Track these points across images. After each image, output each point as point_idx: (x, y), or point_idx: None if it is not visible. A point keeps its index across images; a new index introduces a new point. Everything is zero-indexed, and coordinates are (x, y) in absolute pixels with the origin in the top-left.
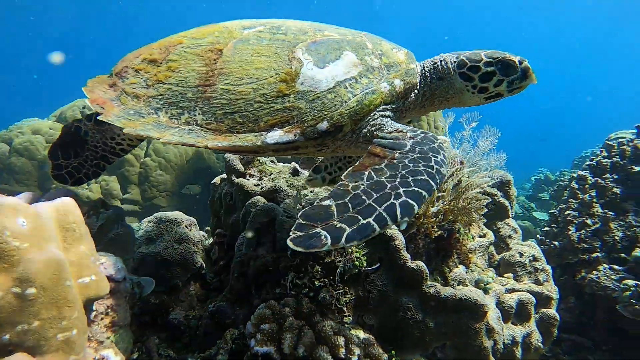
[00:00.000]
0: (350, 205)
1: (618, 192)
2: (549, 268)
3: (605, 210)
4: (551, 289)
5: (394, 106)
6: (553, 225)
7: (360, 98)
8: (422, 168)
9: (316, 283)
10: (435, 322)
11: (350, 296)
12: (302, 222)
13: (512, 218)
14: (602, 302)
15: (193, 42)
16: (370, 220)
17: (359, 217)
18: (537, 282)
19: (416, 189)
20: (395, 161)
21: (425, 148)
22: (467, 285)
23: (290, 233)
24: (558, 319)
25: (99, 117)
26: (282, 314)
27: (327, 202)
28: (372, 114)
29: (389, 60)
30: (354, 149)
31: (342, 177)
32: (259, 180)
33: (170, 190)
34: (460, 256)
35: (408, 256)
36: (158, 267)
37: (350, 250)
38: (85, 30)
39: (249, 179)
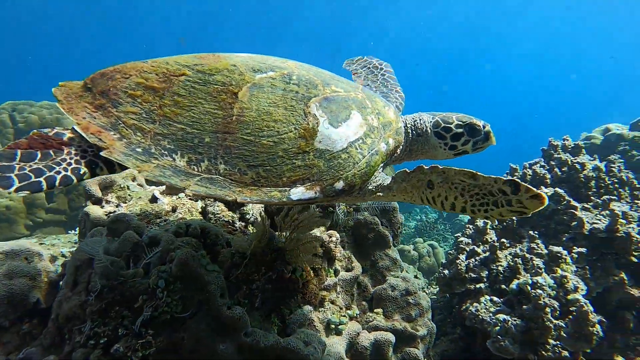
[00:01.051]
0: None
1: (514, 218)
2: (424, 303)
3: (499, 238)
4: (420, 326)
5: (386, 161)
6: (451, 252)
7: (368, 160)
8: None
9: (120, 331)
10: None
11: (160, 344)
12: None
13: (394, 247)
14: (480, 336)
15: (200, 78)
16: None
17: None
18: (409, 317)
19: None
20: None
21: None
22: (314, 326)
23: None
24: (418, 357)
25: (102, 154)
26: None
27: None
28: (375, 173)
29: (384, 120)
30: (355, 200)
31: None
32: (117, 206)
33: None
34: (306, 296)
35: (225, 301)
36: None
37: (162, 294)
38: None
39: (104, 206)
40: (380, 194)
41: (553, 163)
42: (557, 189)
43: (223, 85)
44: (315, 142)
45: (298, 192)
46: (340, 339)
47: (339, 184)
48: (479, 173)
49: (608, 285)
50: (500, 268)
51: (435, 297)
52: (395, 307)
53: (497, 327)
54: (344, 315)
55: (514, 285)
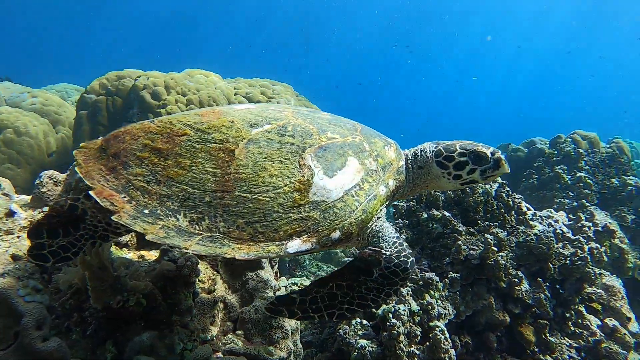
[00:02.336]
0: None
1: (408, 236)
2: (288, 325)
3: None
4: (281, 348)
5: (387, 203)
6: None
7: (365, 207)
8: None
9: None
10: None
11: None
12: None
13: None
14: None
15: (200, 137)
16: None
17: None
18: (270, 340)
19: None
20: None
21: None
22: (156, 352)
23: None
24: None
25: (112, 218)
26: None
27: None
28: (373, 218)
29: (383, 161)
30: (355, 245)
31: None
32: None
33: (22, 187)
34: (149, 322)
35: (41, 333)
36: None
37: None
38: None
39: None
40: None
41: None
42: (444, 212)
43: (221, 142)
44: (310, 194)
45: (295, 245)
46: None
47: (335, 234)
48: None
49: (478, 309)
50: None
51: None
52: (257, 330)
53: (355, 353)
54: (195, 339)
55: (380, 311)
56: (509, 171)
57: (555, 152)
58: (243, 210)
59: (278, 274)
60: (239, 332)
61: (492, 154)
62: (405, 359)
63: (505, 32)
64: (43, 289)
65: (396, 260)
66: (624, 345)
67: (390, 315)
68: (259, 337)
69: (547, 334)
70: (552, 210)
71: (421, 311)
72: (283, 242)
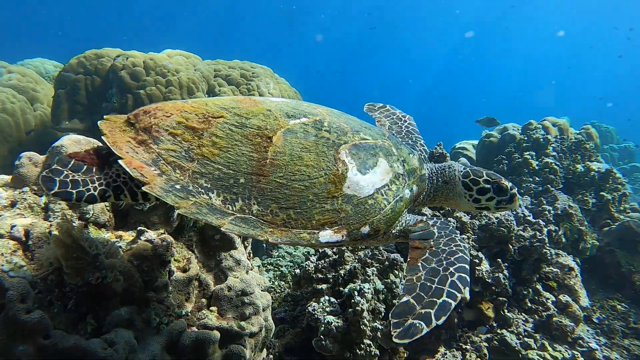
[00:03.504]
0: (423, 294)
1: None
2: (260, 302)
3: None
4: (253, 324)
5: (409, 206)
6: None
7: (393, 206)
8: (455, 247)
9: None
10: None
11: None
12: (394, 320)
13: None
14: (315, 332)
15: (237, 121)
16: (445, 298)
17: (435, 299)
18: (242, 316)
19: (460, 264)
20: (434, 249)
21: (447, 231)
22: (134, 326)
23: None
24: (241, 353)
25: (143, 188)
26: None
27: (405, 299)
28: (399, 218)
29: (409, 167)
30: (378, 243)
31: (405, 273)
32: None
33: (1, 165)
34: (127, 297)
35: (25, 306)
36: None
37: None
38: None
39: None
40: (401, 239)
41: None
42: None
43: (259, 129)
44: (344, 187)
45: (326, 235)
46: (159, 337)
47: (365, 229)
48: None
49: None
50: (342, 271)
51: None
52: (229, 306)
53: (322, 327)
54: (171, 315)
55: (346, 289)
56: (518, 209)
57: (526, 138)
58: (278, 195)
59: (251, 254)
60: (212, 308)
61: (511, 188)
62: (369, 333)
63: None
64: (26, 266)
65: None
66: (574, 319)
67: (356, 293)
68: (232, 313)
69: (506, 310)
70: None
71: (385, 289)
72: (315, 230)
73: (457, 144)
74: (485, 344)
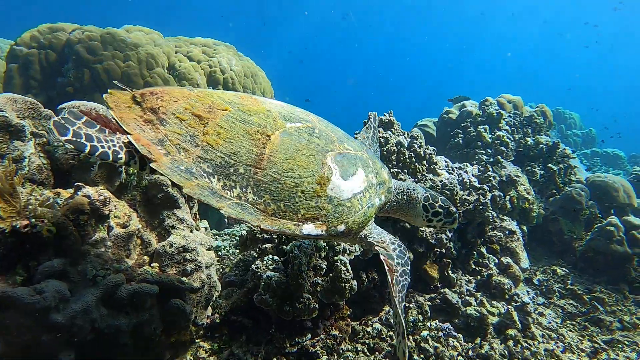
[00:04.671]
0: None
1: None
2: (202, 259)
3: None
4: (195, 280)
5: (377, 213)
6: None
7: (365, 211)
8: (404, 280)
9: None
10: None
11: None
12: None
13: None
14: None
15: (241, 116)
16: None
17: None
18: (184, 272)
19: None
20: (397, 276)
21: (402, 261)
22: (68, 277)
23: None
24: (181, 307)
25: (151, 165)
26: None
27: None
28: (369, 222)
29: (380, 179)
30: (350, 242)
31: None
32: None
33: None
34: (60, 248)
35: None
36: None
37: None
38: None
39: None
40: (365, 245)
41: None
42: None
43: (259, 126)
44: (328, 189)
45: (308, 229)
46: (94, 289)
47: (341, 227)
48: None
49: None
50: None
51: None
52: (171, 262)
53: (262, 283)
54: (108, 268)
55: (288, 246)
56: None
57: (481, 112)
58: (271, 188)
59: (197, 215)
60: (154, 264)
61: (455, 213)
62: (308, 287)
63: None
64: None
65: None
66: (514, 279)
67: (296, 248)
68: (173, 269)
69: (450, 272)
70: (468, 164)
71: (327, 247)
72: (300, 223)
73: (419, 121)
74: (429, 303)
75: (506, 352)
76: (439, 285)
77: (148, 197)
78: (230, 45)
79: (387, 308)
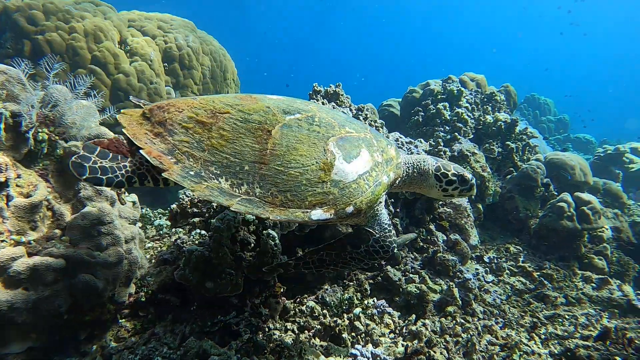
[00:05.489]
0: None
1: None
2: (120, 233)
3: None
4: (110, 254)
5: (387, 190)
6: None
7: (373, 190)
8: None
9: None
10: None
11: None
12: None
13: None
14: None
15: (241, 117)
16: None
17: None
18: (99, 246)
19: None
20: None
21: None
22: None
23: None
24: (90, 282)
25: (163, 175)
26: None
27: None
28: (378, 201)
29: (387, 156)
30: (360, 221)
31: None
32: None
33: None
34: None
35: None
36: None
37: None
38: None
39: None
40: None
41: None
42: None
43: (259, 124)
44: (332, 174)
45: (317, 214)
46: None
47: (349, 209)
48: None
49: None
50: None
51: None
52: (83, 236)
53: (184, 258)
54: (4, 240)
55: (214, 220)
56: (474, 194)
57: (442, 90)
58: (277, 180)
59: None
60: (64, 238)
61: (471, 179)
62: (230, 261)
63: None
64: None
65: (381, 243)
66: (463, 256)
67: (221, 221)
68: (86, 242)
69: (395, 249)
70: (421, 140)
71: (256, 221)
72: (308, 210)
73: (384, 102)
74: (370, 281)
75: (438, 329)
76: (384, 263)
77: (63, 166)
78: (189, 21)
79: (326, 286)
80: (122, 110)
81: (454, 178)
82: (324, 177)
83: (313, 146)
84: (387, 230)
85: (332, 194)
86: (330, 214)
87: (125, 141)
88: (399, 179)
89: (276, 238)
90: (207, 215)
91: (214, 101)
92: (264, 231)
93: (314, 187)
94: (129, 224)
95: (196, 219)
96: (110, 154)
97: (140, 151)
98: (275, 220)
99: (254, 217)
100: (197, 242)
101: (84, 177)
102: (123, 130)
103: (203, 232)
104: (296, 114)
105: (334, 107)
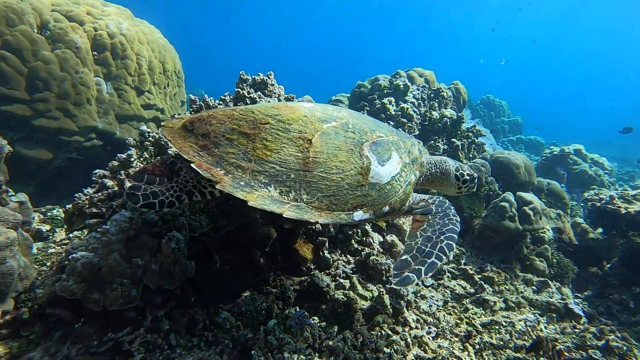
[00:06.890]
0: (418, 254)
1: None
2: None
3: None
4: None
5: (414, 187)
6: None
7: (404, 189)
8: (447, 221)
9: None
10: None
11: None
12: (395, 272)
13: None
14: None
15: (282, 127)
16: (433, 259)
17: (426, 259)
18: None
19: (449, 234)
20: (431, 221)
21: (443, 208)
22: None
23: (391, 279)
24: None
25: (217, 187)
26: None
27: (404, 257)
28: (409, 198)
29: (412, 157)
30: (394, 217)
31: (406, 239)
32: None
33: None
34: None
35: None
36: None
37: None
38: None
39: None
40: (407, 214)
41: (237, 97)
42: None
43: (300, 133)
44: (369, 177)
45: (359, 214)
46: None
47: (386, 208)
48: None
49: (242, 223)
50: (117, 204)
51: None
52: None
53: (68, 265)
54: None
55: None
56: (475, 190)
57: (389, 85)
58: (321, 186)
59: (3, 187)
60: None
61: (478, 179)
62: (124, 270)
63: None
64: None
65: (445, 205)
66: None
67: (114, 222)
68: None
69: (325, 252)
70: None
71: (160, 221)
72: (350, 212)
73: (334, 97)
74: (297, 287)
75: (359, 342)
76: (313, 267)
77: None
78: (125, 8)
79: (247, 293)
80: (162, 123)
81: (468, 177)
82: (362, 181)
83: (350, 152)
84: (432, 198)
85: (370, 195)
86: (370, 214)
87: (167, 162)
88: (423, 176)
89: (181, 241)
90: (107, 216)
91: (253, 112)
92: (169, 233)
93: (354, 191)
94: (7, 227)
95: (93, 221)
96: (157, 179)
97: (191, 164)
98: (323, 223)
99: (159, 218)
100: (91, 246)
101: (139, 205)
102: (170, 144)
103: (98, 235)
104: (332, 122)
105: (260, 97)
